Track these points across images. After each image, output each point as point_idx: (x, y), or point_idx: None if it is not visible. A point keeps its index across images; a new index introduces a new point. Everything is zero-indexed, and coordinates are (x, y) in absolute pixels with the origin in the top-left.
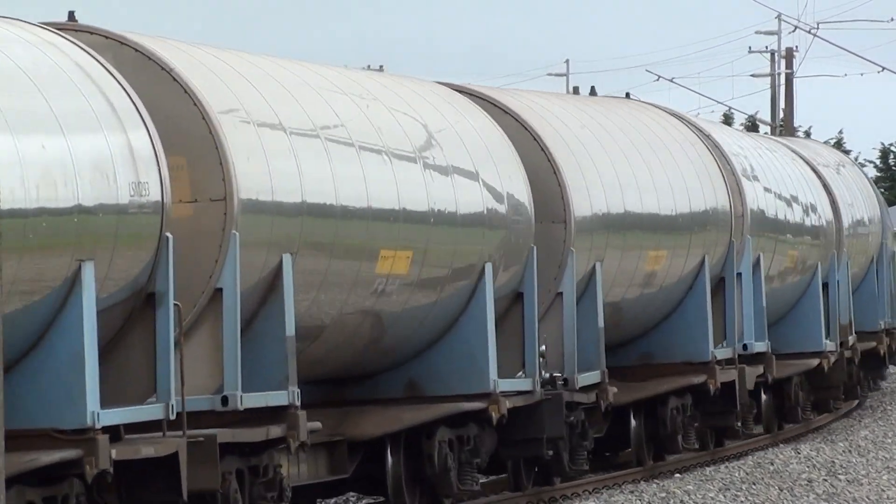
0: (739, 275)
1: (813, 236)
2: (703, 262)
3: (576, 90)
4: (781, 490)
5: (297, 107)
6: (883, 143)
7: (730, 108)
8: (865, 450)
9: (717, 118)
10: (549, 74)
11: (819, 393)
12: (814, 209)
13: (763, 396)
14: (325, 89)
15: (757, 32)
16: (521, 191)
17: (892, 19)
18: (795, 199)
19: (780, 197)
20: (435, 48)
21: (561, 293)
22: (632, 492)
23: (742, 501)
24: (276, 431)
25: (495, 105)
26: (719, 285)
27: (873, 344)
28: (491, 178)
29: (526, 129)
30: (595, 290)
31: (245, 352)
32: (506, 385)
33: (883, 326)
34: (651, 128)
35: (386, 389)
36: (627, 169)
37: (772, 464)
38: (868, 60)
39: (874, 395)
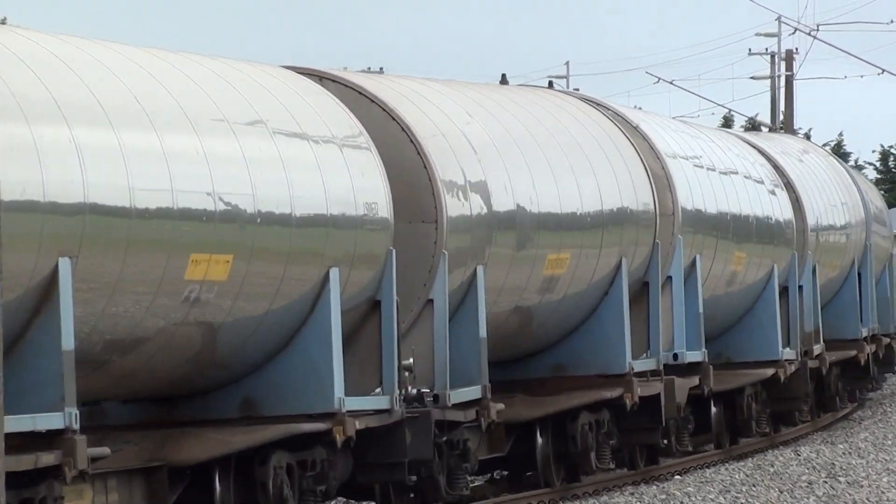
0: (670, 278)
1: (768, 236)
2: (619, 264)
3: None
4: (781, 492)
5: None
6: (883, 146)
7: (730, 110)
8: (865, 452)
9: (717, 120)
10: (549, 77)
11: (779, 405)
12: (769, 205)
13: (713, 409)
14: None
15: (757, 34)
16: (377, 188)
17: (892, 21)
18: (745, 194)
19: (726, 193)
20: (434, 49)
21: (432, 300)
22: (632, 493)
23: (742, 503)
24: (47, 459)
25: (361, 93)
26: (644, 290)
27: (853, 353)
28: (337, 173)
29: (394, 119)
30: (476, 297)
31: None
32: (355, 403)
33: (864, 334)
34: (560, 119)
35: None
36: (522, 163)
37: (772, 466)
38: (868, 63)
39: (874, 397)
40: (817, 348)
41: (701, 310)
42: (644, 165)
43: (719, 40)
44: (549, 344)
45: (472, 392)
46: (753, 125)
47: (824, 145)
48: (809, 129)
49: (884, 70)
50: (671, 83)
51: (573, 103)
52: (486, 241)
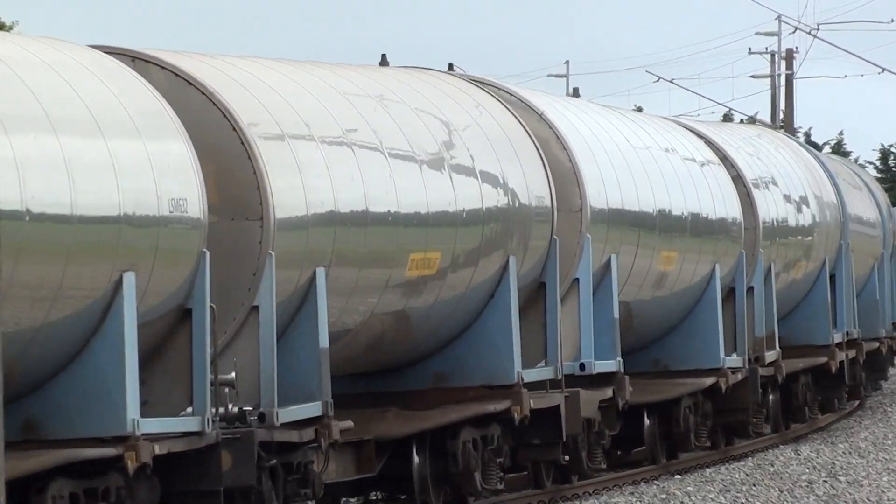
0: (577, 280)
1: (708, 233)
2: (506, 265)
3: (576, 91)
4: (782, 491)
5: None
6: (883, 145)
7: (730, 109)
8: (866, 451)
9: (718, 119)
10: (549, 75)
11: (725, 416)
12: (710, 200)
13: (646, 422)
14: None
15: (757, 33)
16: (189, 182)
17: (892, 20)
18: (679, 187)
19: (652, 186)
20: (434, 48)
21: (257, 307)
22: (632, 493)
23: (742, 503)
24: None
25: (177, 74)
26: (542, 292)
27: (822, 359)
28: (131, 163)
29: (214, 103)
30: (315, 302)
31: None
32: (154, 426)
33: (835, 340)
34: (442, 109)
35: None
36: (380, 156)
37: (772, 465)
38: (868, 62)
39: (875, 396)
40: (772, 355)
41: (616, 315)
42: (541, 157)
43: (719, 39)
44: (428, 352)
45: (310, 409)
46: (753, 124)
47: (824, 144)
48: (809, 129)
49: (884, 69)
50: (671, 82)
51: (465, 90)
52: (329, 238)
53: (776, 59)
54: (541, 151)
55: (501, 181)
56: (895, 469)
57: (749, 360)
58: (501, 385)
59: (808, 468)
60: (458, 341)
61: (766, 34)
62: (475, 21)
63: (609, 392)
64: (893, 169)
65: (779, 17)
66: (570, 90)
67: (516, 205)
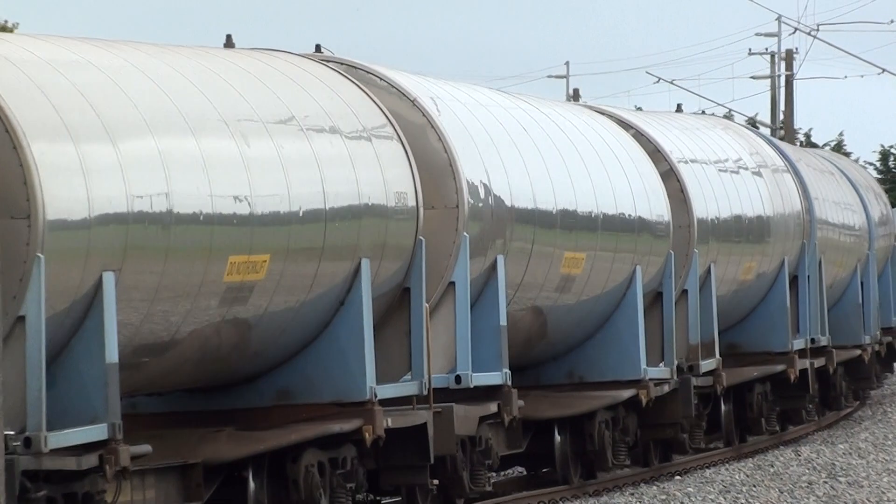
0: (453, 284)
1: (627, 232)
2: (358, 269)
3: (576, 92)
4: (782, 492)
5: None
6: (883, 146)
7: (730, 109)
8: (866, 452)
9: None
10: (549, 76)
11: (654, 432)
12: (629, 196)
13: (557, 438)
14: None
15: (757, 34)
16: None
17: (892, 21)
18: (588, 181)
19: (552, 181)
20: (434, 49)
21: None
22: (632, 493)
23: (742, 503)
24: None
25: None
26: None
27: (780, 367)
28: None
29: None
30: (102, 308)
31: None
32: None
33: (795, 348)
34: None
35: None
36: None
37: (772, 466)
38: (868, 62)
39: (874, 397)
40: (709, 364)
41: (503, 322)
42: (405, 148)
43: (719, 40)
44: (273, 366)
45: (91, 433)
46: (753, 125)
47: (825, 145)
48: (810, 129)
49: (884, 70)
50: (671, 83)
51: (311, 70)
52: (121, 240)
53: (776, 59)
54: (404, 141)
55: (351, 175)
56: (895, 469)
57: (681, 369)
58: (353, 402)
59: (809, 469)
60: (301, 354)
61: (766, 35)
62: (475, 21)
63: (494, 407)
64: (893, 170)
65: (779, 18)
66: (571, 91)
67: (368, 205)
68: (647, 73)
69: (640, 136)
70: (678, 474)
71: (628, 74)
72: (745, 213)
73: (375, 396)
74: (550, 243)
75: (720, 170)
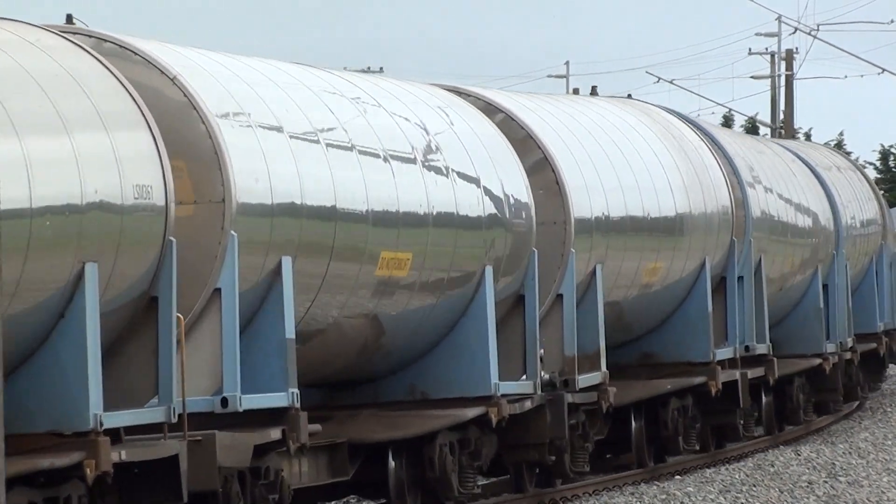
0: (216, 291)
1: (459, 227)
2: (81, 273)
3: (576, 92)
4: (782, 492)
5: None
6: (883, 145)
7: (730, 109)
8: (866, 452)
9: (718, 120)
10: (550, 76)
11: (517, 454)
12: (471, 193)
13: (391, 464)
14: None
15: (757, 34)
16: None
17: (892, 21)
18: (420, 183)
19: (365, 179)
20: (434, 49)
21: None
22: (632, 493)
23: (742, 503)
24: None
25: None
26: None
27: (700, 379)
28: None
29: None
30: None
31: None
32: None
33: (714, 358)
34: None
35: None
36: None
37: (772, 466)
38: (868, 62)
39: (874, 396)
40: (590, 378)
41: (290, 335)
42: (153, 134)
43: (719, 40)
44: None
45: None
46: (753, 125)
47: (824, 145)
48: (810, 129)
49: (884, 70)
50: (671, 83)
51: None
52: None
53: (776, 59)
54: (153, 125)
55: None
56: (895, 469)
57: (553, 384)
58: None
59: (809, 468)
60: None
61: (767, 35)
62: (475, 21)
63: (277, 433)
64: (893, 169)
65: (779, 18)
66: (570, 90)
67: (95, 198)
68: (647, 73)
69: (511, 122)
70: (678, 474)
71: (628, 74)
72: (648, 206)
73: (101, 425)
74: (362, 240)
75: (620, 158)
